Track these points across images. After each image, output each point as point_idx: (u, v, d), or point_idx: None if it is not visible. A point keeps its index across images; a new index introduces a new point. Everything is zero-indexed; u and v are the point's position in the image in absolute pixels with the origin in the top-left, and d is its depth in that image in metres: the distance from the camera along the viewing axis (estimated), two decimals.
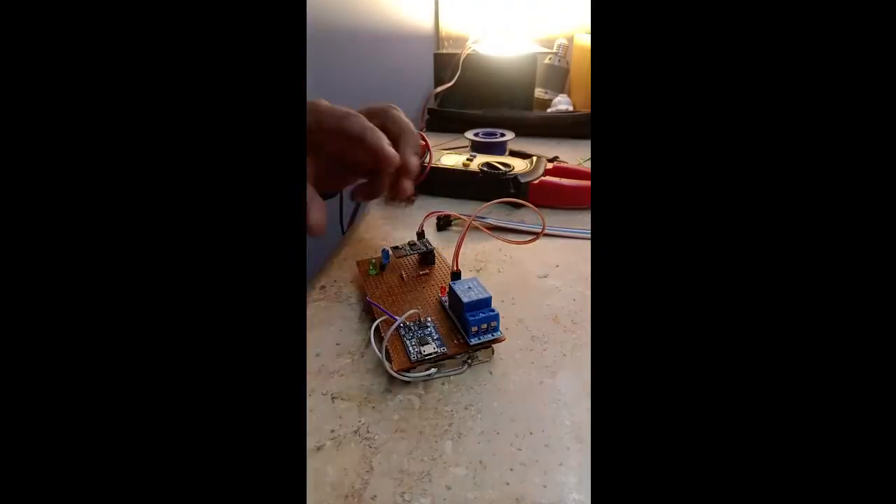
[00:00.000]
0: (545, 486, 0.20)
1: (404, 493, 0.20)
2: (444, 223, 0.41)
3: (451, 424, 0.23)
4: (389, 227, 0.43)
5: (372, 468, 0.21)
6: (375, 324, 0.28)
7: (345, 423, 0.23)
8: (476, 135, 0.55)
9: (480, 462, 0.21)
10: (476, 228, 0.41)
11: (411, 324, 0.28)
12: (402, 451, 0.22)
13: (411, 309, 0.28)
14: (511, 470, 0.21)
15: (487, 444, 0.22)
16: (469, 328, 0.26)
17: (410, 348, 0.26)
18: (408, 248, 0.35)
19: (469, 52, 0.73)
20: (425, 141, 0.46)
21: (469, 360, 0.26)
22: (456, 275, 0.30)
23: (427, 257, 0.33)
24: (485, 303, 0.26)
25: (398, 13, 0.89)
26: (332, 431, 0.23)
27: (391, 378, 0.25)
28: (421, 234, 0.36)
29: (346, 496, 0.20)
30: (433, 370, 0.25)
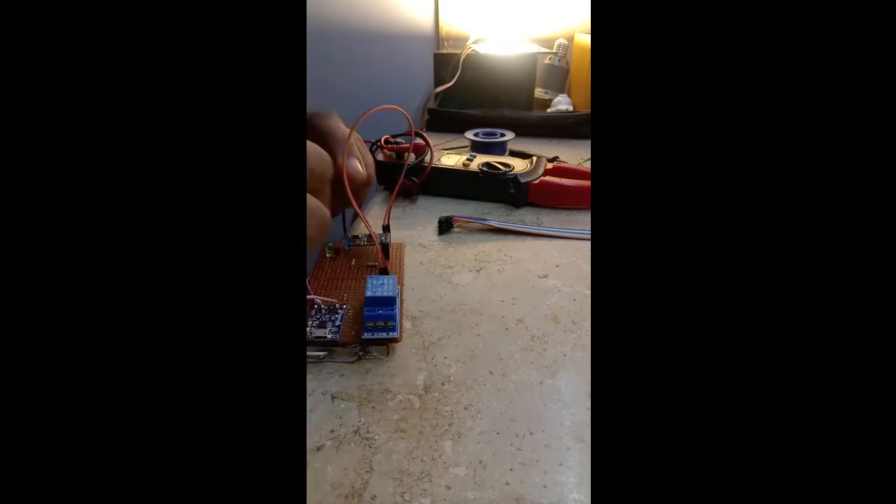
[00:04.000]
0: (545, 486, 0.20)
1: (404, 493, 0.20)
2: (445, 226, 0.41)
3: (451, 424, 0.23)
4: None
5: (372, 468, 0.21)
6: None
7: (345, 423, 0.23)
8: (476, 135, 0.55)
9: (480, 462, 0.21)
10: (477, 228, 0.41)
11: (325, 307, 0.29)
12: (402, 451, 0.22)
13: (344, 295, 0.30)
14: (511, 470, 0.21)
15: (487, 444, 0.22)
16: (364, 323, 0.26)
17: (308, 328, 0.27)
18: (366, 239, 0.36)
19: (469, 52, 0.73)
20: (425, 140, 0.46)
21: (360, 353, 0.27)
22: (383, 270, 0.32)
23: (384, 250, 0.34)
24: (387, 301, 0.27)
25: (398, 13, 0.89)
26: (332, 431, 0.23)
27: (392, 378, 0.25)
28: (386, 228, 0.36)
29: (346, 496, 0.20)
30: (322, 353, 0.26)
